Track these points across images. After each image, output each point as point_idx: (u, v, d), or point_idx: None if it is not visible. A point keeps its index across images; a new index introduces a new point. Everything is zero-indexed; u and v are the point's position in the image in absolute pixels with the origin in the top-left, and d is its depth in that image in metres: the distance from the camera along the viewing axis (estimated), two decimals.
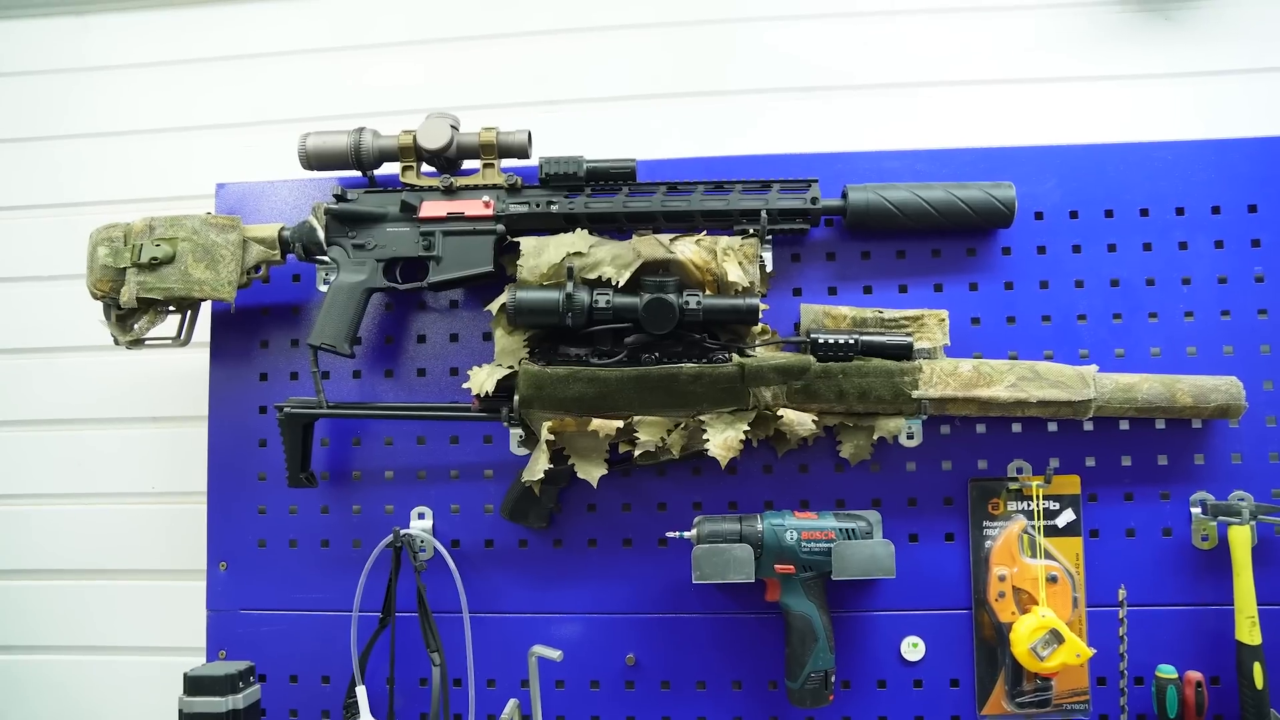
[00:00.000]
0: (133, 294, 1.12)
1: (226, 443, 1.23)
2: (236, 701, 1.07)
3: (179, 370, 1.37)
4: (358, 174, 1.17)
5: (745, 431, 1.08)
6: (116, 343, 1.16)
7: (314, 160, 1.15)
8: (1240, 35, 1.33)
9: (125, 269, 1.13)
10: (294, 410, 1.14)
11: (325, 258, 1.16)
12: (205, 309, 1.22)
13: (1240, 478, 1.13)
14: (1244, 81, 1.31)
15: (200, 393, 1.26)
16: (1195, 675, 1.07)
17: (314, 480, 1.17)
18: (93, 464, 1.41)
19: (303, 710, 1.20)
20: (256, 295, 1.23)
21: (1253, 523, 1.07)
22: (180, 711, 1.06)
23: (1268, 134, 1.19)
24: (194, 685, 1.07)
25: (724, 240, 1.11)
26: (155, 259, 1.13)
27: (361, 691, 1.14)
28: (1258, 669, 1.04)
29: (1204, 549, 1.12)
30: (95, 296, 1.15)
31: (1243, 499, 1.11)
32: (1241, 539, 1.06)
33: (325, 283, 1.19)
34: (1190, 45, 1.33)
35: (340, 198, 1.16)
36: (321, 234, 1.16)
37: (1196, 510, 1.12)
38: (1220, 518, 1.09)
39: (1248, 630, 1.05)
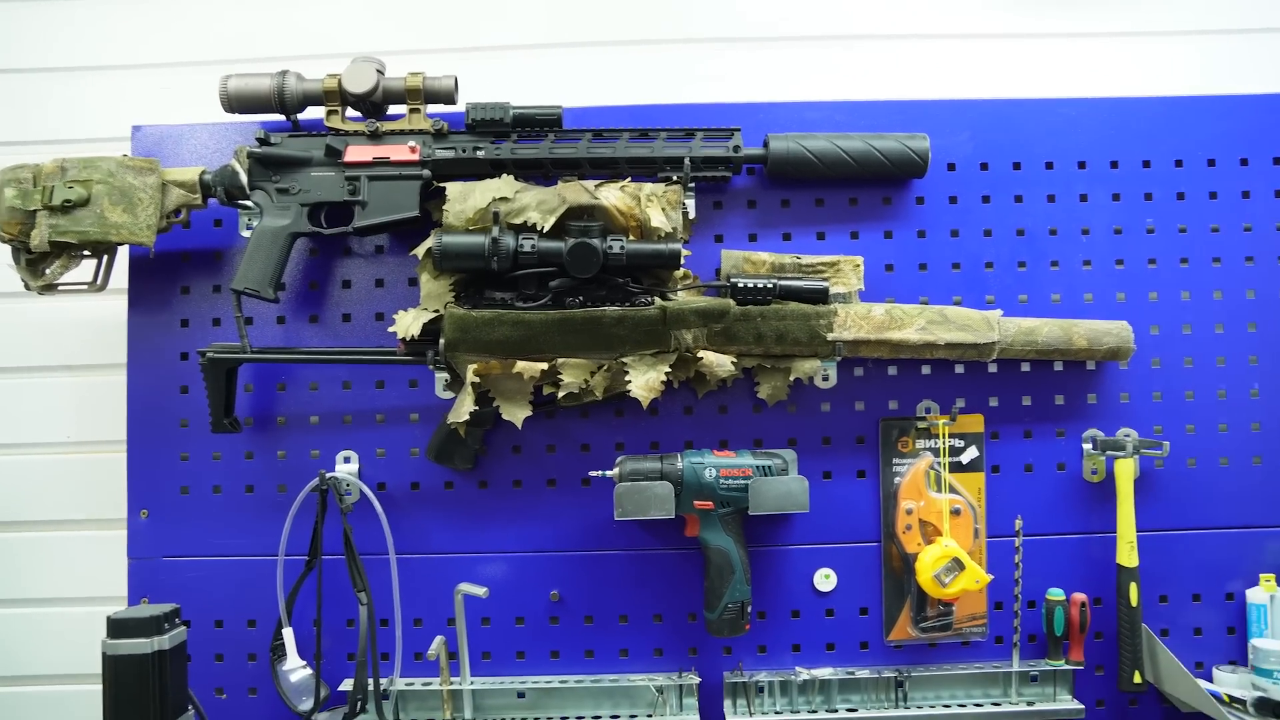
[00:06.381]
0: (44, 237, 1.17)
1: (146, 390, 1.30)
2: (162, 643, 1.12)
3: (95, 316, 1.41)
4: (281, 118, 1.23)
5: (666, 373, 1.18)
6: (28, 288, 1.21)
7: (235, 103, 1.21)
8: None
9: (36, 211, 1.17)
10: (217, 355, 1.21)
11: (248, 202, 1.23)
12: (123, 254, 1.28)
13: (1127, 415, 1.28)
14: (1141, 43, 1.45)
15: (118, 340, 1.32)
16: (1080, 596, 1.23)
17: (238, 425, 1.24)
18: (6, 414, 1.45)
19: (228, 654, 1.28)
20: (176, 240, 1.29)
21: (1136, 456, 1.23)
22: (104, 655, 1.10)
23: (1161, 94, 1.33)
24: (117, 628, 1.11)
25: (648, 187, 1.20)
26: (68, 201, 1.17)
27: (288, 633, 1.23)
28: (1133, 588, 1.20)
29: (1093, 481, 1.28)
30: (3, 240, 1.18)
31: (1128, 435, 1.27)
32: (1125, 471, 1.22)
33: (248, 228, 1.25)
34: (1094, 7, 1.46)
35: (264, 141, 1.22)
36: (244, 178, 1.22)
37: (1088, 446, 1.27)
38: (1108, 452, 1.24)
39: (1127, 554, 1.21)
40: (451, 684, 1.22)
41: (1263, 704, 1.15)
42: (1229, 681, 1.21)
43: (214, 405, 1.22)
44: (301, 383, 1.29)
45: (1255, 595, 1.24)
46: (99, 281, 1.23)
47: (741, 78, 1.43)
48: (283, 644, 1.23)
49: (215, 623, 1.27)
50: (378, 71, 1.20)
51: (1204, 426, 1.28)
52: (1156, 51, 1.44)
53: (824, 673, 1.23)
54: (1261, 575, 1.25)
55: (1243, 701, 1.17)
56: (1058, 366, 1.28)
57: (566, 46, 1.45)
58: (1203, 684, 1.16)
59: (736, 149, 1.22)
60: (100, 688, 1.08)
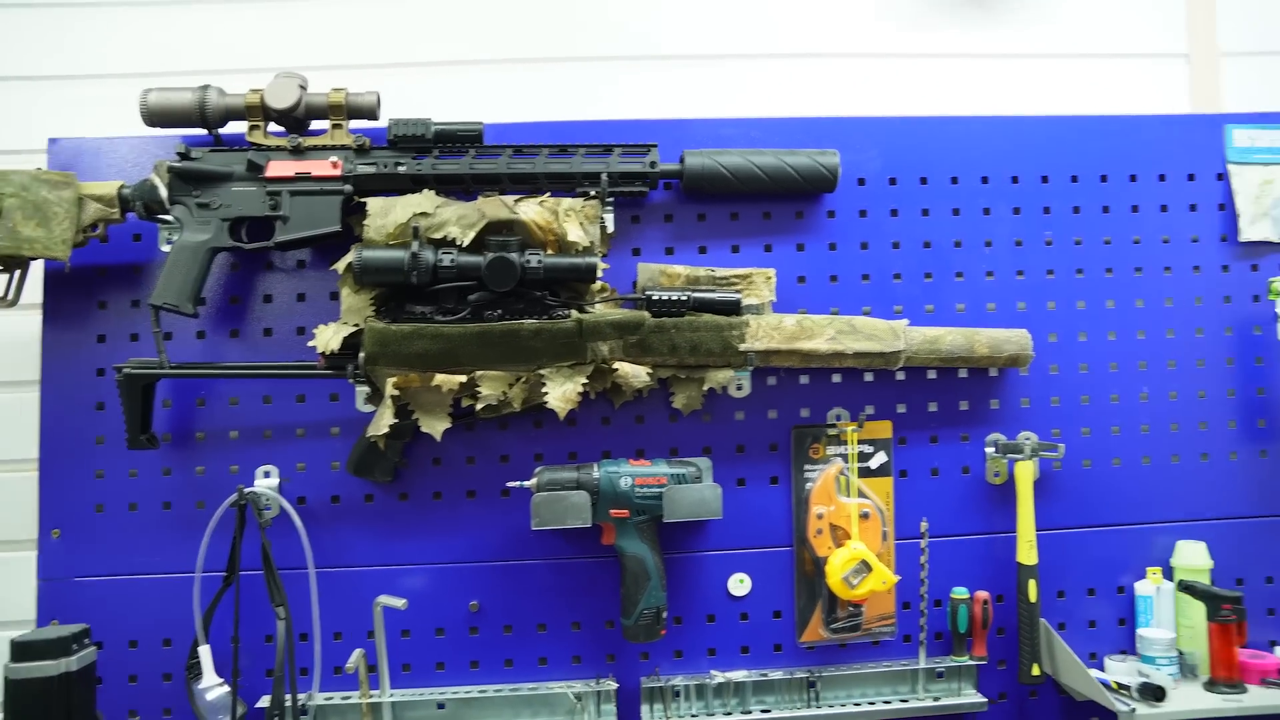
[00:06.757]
0: None
1: (60, 406, 1.30)
2: (70, 664, 1.10)
3: (7, 332, 1.41)
4: (203, 132, 1.25)
5: (583, 384, 1.22)
6: None
7: (156, 117, 1.22)
8: (1038, 22, 1.56)
9: None
10: (134, 371, 1.22)
11: (168, 217, 1.24)
12: (37, 269, 1.27)
13: (1028, 420, 1.36)
14: (1041, 64, 1.55)
15: (32, 355, 1.31)
16: (983, 594, 1.29)
17: (155, 442, 1.24)
18: None
19: (143, 675, 1.28)
20: (94, 255, 1.29)
21: (1035, 459, 1.30)
22: (6, 679, 1.08)
23: (1058, 113, 1.41)
24: (22, 650, 1.09)
25: (566, 202, 1.25)
26: None
27: (205, 651, 1.23)
28: (1032, 585, 1.27)
29: (995, 483, 1.35)
30: None
31: (1027, 438, 1.34)
32: (1025, 473, 1.29)
33: (168, 242, 1.26)
34: (997, 29, 1.56)
35: (184, 155, 1.24)
36: (164, 192, 1.23)
37: (990, 450, 1.34)
38: (1009, 455, 1.31)
39: (1026, 552, 1.28)
40: (371, 697, 1.24)
41: (1145, 688, 1.22)
42: (1119, 670, 1.29)
43: (130, 421, 1.22)
44: (221, 398, 1.30)
45: (1143, 588, 1.32)
46: (10, 296, 1.23)
47: (659, 95, 1.49)
48: (198, 662, 1.23)
49: (129, 643, 1.27)
50: (300, 87, 1.23)
51: (1098, 429, 1.36)
52: (1055, 73, 1.54)
53: (738, 675, 1.28)
54: (1149, 569, 1.33)
55: (1129, 687, 1.23)
56: (962, 373, 1.35)
57: (488, 63, 1.49)
58: (1094, 673, 1.23)
59: (653, 164, 1.27)
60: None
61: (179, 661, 1.25)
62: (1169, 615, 1.31)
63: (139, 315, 1.29)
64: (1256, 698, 1.23)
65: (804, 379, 1.33)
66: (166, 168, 1.23)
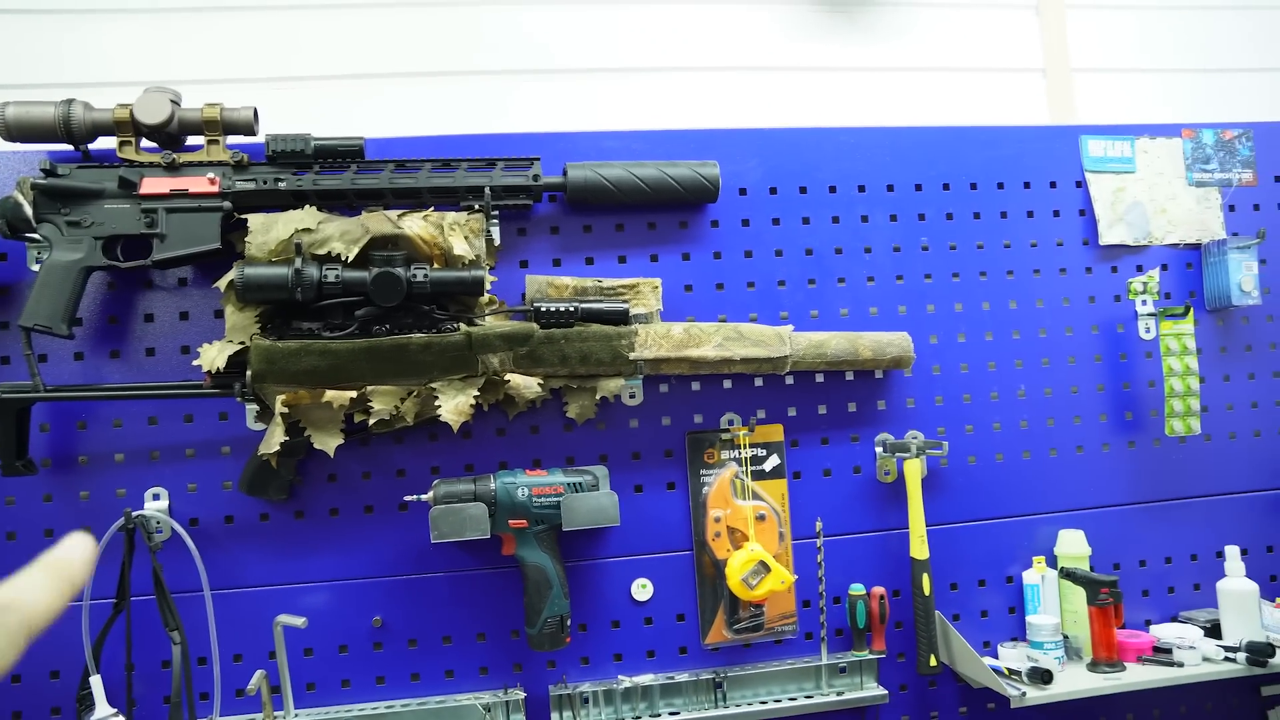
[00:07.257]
0: None
1: None
2: None
3: None
4: (70, 147, 1.20)
5: (475, 396, 1.23)
6: None
7: (15, 131, 1.19)
8: (904, 38, 1.63)
9: None
10: (4, 395, 1.17)
11: (36, 235, 1.19)
12: None
13: (914, 419, 1.41)
14: (913, 78, 1.61)
15: None
16: (879, 590, 1.34)
17: (33, 468, 1.21)
18: None
19: (29, 711, 1.24)
20: None
21: (922, 456, 1.35)
22: None
23: (928, 124, 1.46)
24: None
25: (451, 216, 1.25)
26: None
27: (96, 681, 1.19)
28: (925, 579, 1.32)
29: (886, 482, 1.39)
30: None
31: (915, 437, 1.39)
32: (913, 471, 1.34)
33: (37, 261, 1.22)
34: (867, 44, 1.62)
35: (50, 172, 1.20)
36: (29, 210, 1.19)
37: (879, 449, 1.39)
38: (897, 454, 1.36)
39: (918, 547, 1.33)
40: (274, 718, 1.22)
41: (1034, 672, 1.27)
42: (1010, 656, 1.34)
43: (3, 448, 1.18)
44: (104, 420, 1.26)
45: (1029, 577, 1.39)
46: None
47: (542, 108, 1.50)
48: (90, 693, 1.20)
49: (11, 679, 1.22)
50: (172, 102, 1.20)
51: (981, 426, 1.42)
52: (924, 85, 1.60)
53: (645, 679, 1.30)
54: (1034, 558, 1.40)
55: (1019, 672, 1.29)
56: (849, 376, 1.39)
57: (369, 78, 1.48)
58: (987, 660, 1.28)
59: (536, 177, 1.28)
60: None
61: (69, 694, 1.22)
62: (1054, 602, 1.38)
63: (9, 337, 1.25)
64: (1134, 675, 1.30)
65: (696, 386, 1.36)
66: (30, 184, 1.18)
